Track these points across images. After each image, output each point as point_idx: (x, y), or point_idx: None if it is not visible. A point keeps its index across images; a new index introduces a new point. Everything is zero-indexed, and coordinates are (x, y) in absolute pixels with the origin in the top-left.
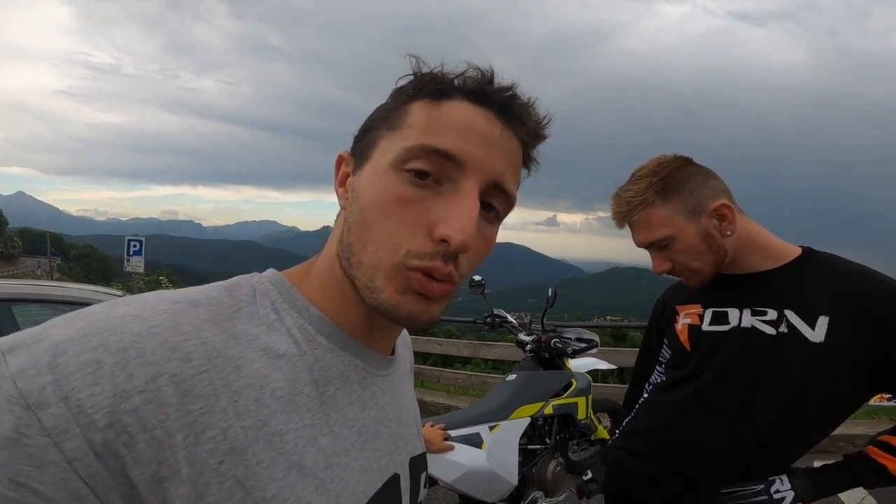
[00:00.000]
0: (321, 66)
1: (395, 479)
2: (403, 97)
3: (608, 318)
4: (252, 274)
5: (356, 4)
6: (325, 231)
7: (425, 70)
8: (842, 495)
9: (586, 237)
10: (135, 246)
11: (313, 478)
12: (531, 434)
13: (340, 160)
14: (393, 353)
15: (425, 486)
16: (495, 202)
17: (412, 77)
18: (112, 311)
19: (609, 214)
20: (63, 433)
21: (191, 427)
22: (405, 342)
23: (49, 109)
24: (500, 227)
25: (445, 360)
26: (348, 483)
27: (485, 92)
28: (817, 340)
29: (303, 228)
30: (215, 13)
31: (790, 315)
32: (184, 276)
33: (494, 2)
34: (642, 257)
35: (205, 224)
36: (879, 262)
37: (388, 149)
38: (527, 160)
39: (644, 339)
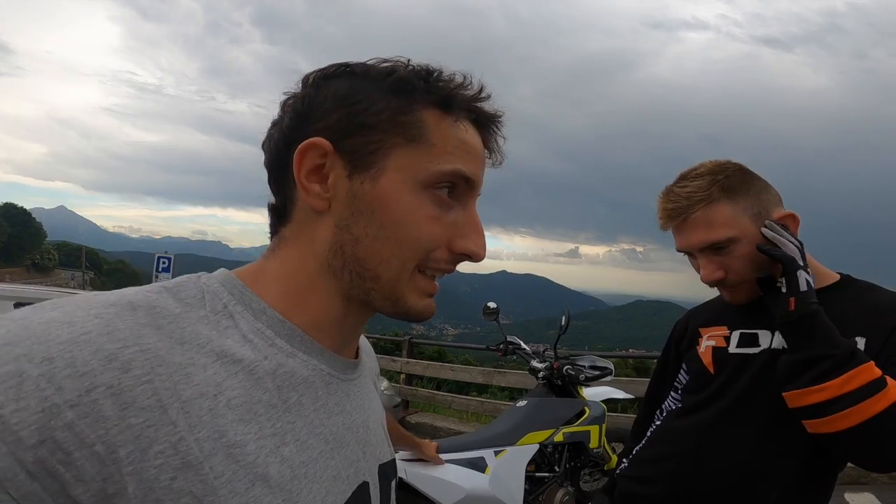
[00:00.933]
0: None
1: (364, 487)
2: (413, 97)
3: (631, 350)
4: (199, 273)
5: (382, 32)
6: None
7: (420, 66)
8: (848, 496)
9: (609, 269)
10: (163, 263)
11: (280, 490)
12: (540, 461)
13: (310, 148)
14: (357, 356)
15: (394, 491)
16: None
17: (418, 73)
18: (35, 316)
19: (634, 246)
20: None
21: (135, 442)
22: (367, 350)
23: (93, 126)
24: (520, 258)
25: (459, 387)
26: (317, 494)
27: (483, 116)
28: None
29: None
30: (251, 38)
31: None
32: None
33: (517, 30)
34: (666, 291)
35: (231, 245)
36: None
37: (413, 165)
38: None
39: (659, 363)
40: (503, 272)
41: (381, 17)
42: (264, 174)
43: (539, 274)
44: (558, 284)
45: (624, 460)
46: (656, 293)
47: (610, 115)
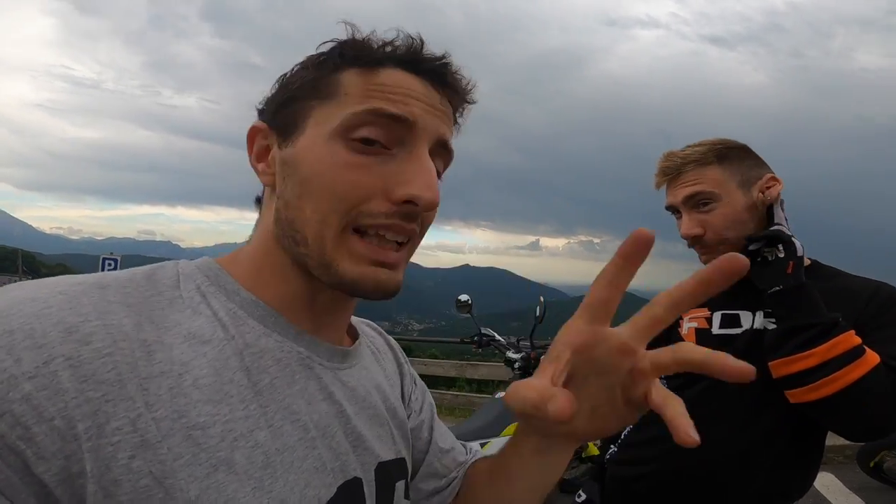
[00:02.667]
0: None
1: (354, 483)
2: (329, 65)
3: None
4: (179, 260)
5: (338, 28)
6: None
7: (349, 38)
8: (827, 494)
9: (568, 261)
10: (110, 265)
11: (248, 477)
12: None
13: (255, 132)
14: (353, 344)
15: (407, 496)
16: (437, 161)
17: (335, 44)
18: (2, 295)
19: (591, 238)
20: None
21: (93, 416)
22: (390, 344)
23: (25, 122)
24: (482, 251)
25: (430, 382)
26: (294, 484)
27: (418, 60)
28: None
29: None
30: (199, 32)
31: None
32: None
33: (473, 25)
34: None
35: (183, 245)
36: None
37: (327, 118)
38: (455, 121)
39: None
40: (466, 266)
41: (338, 12)
42: (217, 170)
43: (501, 267)
44: (520, 276)
45: (612, 446)
46: None
47: (566, 110)
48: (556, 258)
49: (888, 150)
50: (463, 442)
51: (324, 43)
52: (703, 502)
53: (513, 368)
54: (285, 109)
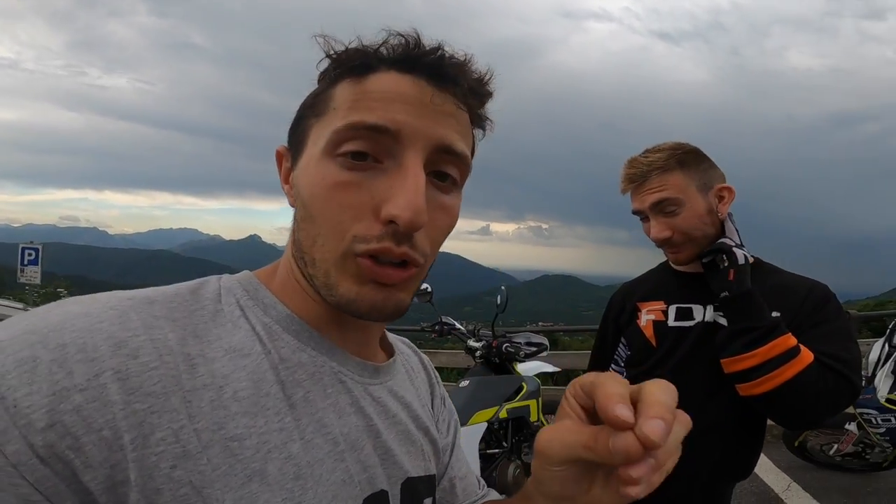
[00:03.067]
0: (250, 68)
1: (381, 496)
2: (327, 80)
3: (540, 323)
4: (222, 275)
5: (287, 7)
6: (252, 240)
7: (339, 48)
8: (767, 481)
9: (518, 246)
10: (30, 254)
11: (280, 488)
12: (489, 438)
13: (280, 156)
14: (387, 359)
15: None
16: (448, 168)
17: (338, 53)
18: (56, 309)
19: (540, 224)
20: (2, 435)
21: (139, 427)
22: (424, 363)
23: None
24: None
25: None
26: (323, 496)
27: (410, 58)
28: None
29: (227, 237)
30: (134, 10)
31: None
32: (85, 287)
33: (431, 11)
34: (570, 266)
35: (111, 231)
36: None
37: (319, 136)
38: (476, 120)
39: (598, 339)
40: None
41: None
42: (150, 153)
43: (452, 251)
44: (471, 261)
45: None
46: (561, 268)
47: (519, 99)
48: (507, 243)
49: (808, 147)
50: (478, 476)
51: (321, 60)
52: (660, 486)
53: (474, 357)
54: (296, 130)
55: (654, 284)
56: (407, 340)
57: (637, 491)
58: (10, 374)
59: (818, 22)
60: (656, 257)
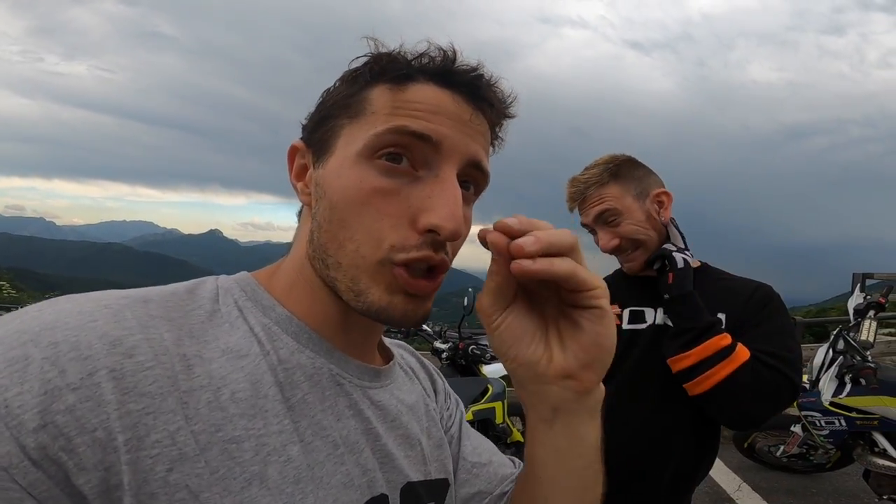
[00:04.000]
0: (220, 60)
1: (381, 499)
2: (360, 81)
3: None
4: (219, 276)
5: (264, 1)
6: (212, 234)
7: (382, 51)
8: (720, 481)
9: (484, 248)
10: None
11: (279, 492)
12: None
13: (294, 151)
14: (385, 364)
15: None
16: (470, 183)
17: (367, 59)
18: (49, 308)
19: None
20: None
21: (133, 429)
22: (423, 363)
23: None
24: None
25: None
26: (323, 499)
27: (450, 73)
28: None
29: (185, 231)
30: None
31: None
32: (30, 280)
33: (408, 11)
34: None
35: (59, 222)
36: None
37: (355, 138)
38: (493, 138)
39: None
40: None
41: None
42: (106, 143)
43: None
44: None
45: None
46: None
47: None
48: (476, 245)
49: (761, 157)
50: (510, 456)
51: (357, 58)
52: (625, 489)
53: (440, 358)
54: (320, 128)
55: (612, 288)
56: (403, 343)
57: (527, 264)
58: (1, 372)
59: (781, 36)
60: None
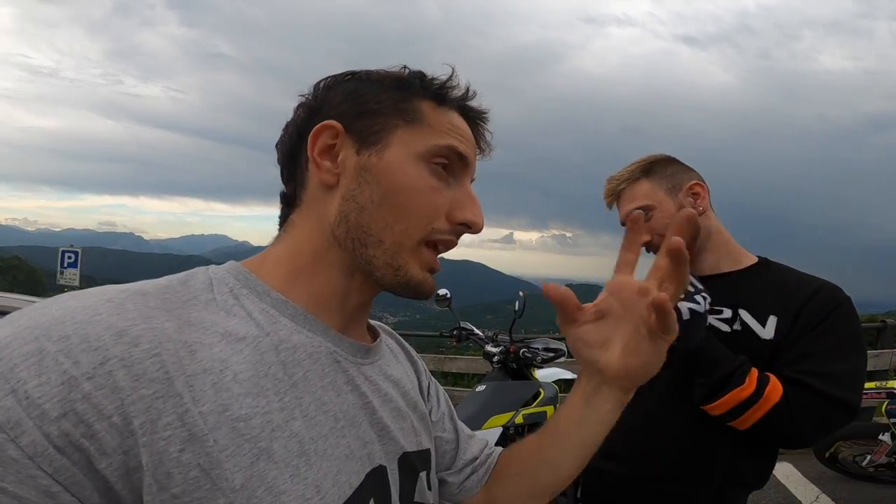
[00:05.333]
0: (273, 75)
1: (380, 471)
2: (411, 91)
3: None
4: (209, 266)
5: (309, 17)
6: None
7: (422, 71)
8: (795, 493)
9: (541, 254)
10: (69, 257)
11: (286, 465)
12: (504, 443)
13: (324, 129)
14: (373, 342)
15: (429, 486)
16: None
17: (414, 74)
18: (53, 304)
19: (564, 232)
20: (16, 427)
21: (146, 413)
22: (397, 353)
23: None
24: (459, 244)
25: None
26: (327, 471)
27: (471, 110)
28: (767, 337)
29: (255, 243)
30: (166, 20)
31: (743, 314)
32: None
33: (448, 20)
34: (593, 274)
35: (146, 237)
36: (803, 271)
37: (413, 141)
38: None
39: None
40: (441, 258)
41: (310, 1)
42: (182, 161)
43: (475, 260)
44: (494, 269)
45: None
46: (584, 276)
47: (541, 105)
48: (530, 251)
49: (845, 149)
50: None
51: (400, 68)
52: (670, 493)
53: (492, 362)
54: (366, 120)
55: None
56: (381, 324)
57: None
58: (18, 367)
59: (849, 24)
60: None
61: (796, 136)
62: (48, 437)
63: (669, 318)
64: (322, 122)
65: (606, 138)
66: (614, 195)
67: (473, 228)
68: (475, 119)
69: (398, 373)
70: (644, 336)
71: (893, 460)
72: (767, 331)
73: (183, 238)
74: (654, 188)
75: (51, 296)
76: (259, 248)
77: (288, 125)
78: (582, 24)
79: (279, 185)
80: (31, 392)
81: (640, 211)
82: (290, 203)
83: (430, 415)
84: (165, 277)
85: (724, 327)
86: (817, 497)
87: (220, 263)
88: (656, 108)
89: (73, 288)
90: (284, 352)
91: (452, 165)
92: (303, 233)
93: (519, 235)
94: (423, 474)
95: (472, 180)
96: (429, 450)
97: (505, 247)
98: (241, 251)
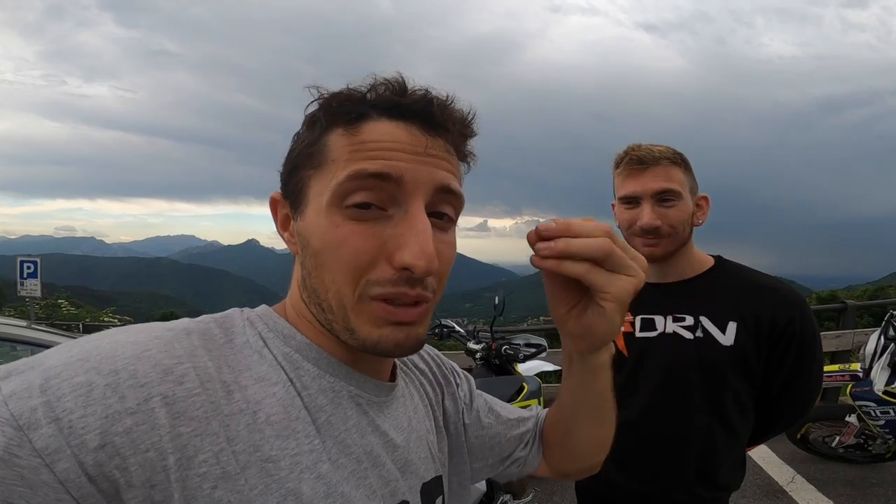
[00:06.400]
0: (227, 72)
1: None
2: (318, 127)
3: (541, 318)
4: (243, 308)
5: (258, 13)
6: (250, 244)
7: (332, 93)
8: (772, 473)
9: (516, 241)
10: (29, 267)
11: None
12: None
13: (275, 203)
14: (393, 378)
15: None
16: (446, 208)
17: (325, 101)
18: (105, 338)
19: (538, 218)
20: (54, 454)
21: (183, 450)
22: (423, 355)
23: None
24: None
25: None
26: None
27: (401, 106)
28: (728, 344)
29: (225, 242)
30: (103, 20)
31: (705, 321)
32: (86, 296)
33: (402, 11)
34: None
35: (108, 240)
36: (764, 253)
37: (322, 189)
38: (463, 156)
39: None
40: None
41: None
42: (139, 161)
43: None
44: (470, 258)
45: None
46: None
47: (509, 93)
48: (505, 238)
49: (798, 131)
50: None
51: (313, 101)
52: (646, 492)
53: (474, 359)
54: (292, 179)
55: None
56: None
57: (537, 261)
58: (66, 397)
59: (801, 10)
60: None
61: (752, 119)
62: (82, 466)
63: (563, 269)
64: (271, 197)
65: (574, 126)
66: (644, 164)
67: (413, 272)
68: (418, 112)
69: (417, 398)
70: (585, 303)
71: (862, 441)
72: (728, 337)
73: (148, 240)
74: (685, 181)
75: (11, 307)
76: (229, 247)
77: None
78: (545, 13)
79: (244, 182)
80: (75, 423)
81: (668, 197)
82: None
83: (464, 418)
84: (204, 317)
85: (688, 335)
86: (793, 478)
87: (188, 264)
88: (621, 96)
89: (35, 298)
90: (308, 397)
91: (380, 192)
92: (292, 293)
93: (493, 223)
94: (438, 499)
95: (447, 189)
96: (441, 476)
97: (480, 235)
98: (209, 251)
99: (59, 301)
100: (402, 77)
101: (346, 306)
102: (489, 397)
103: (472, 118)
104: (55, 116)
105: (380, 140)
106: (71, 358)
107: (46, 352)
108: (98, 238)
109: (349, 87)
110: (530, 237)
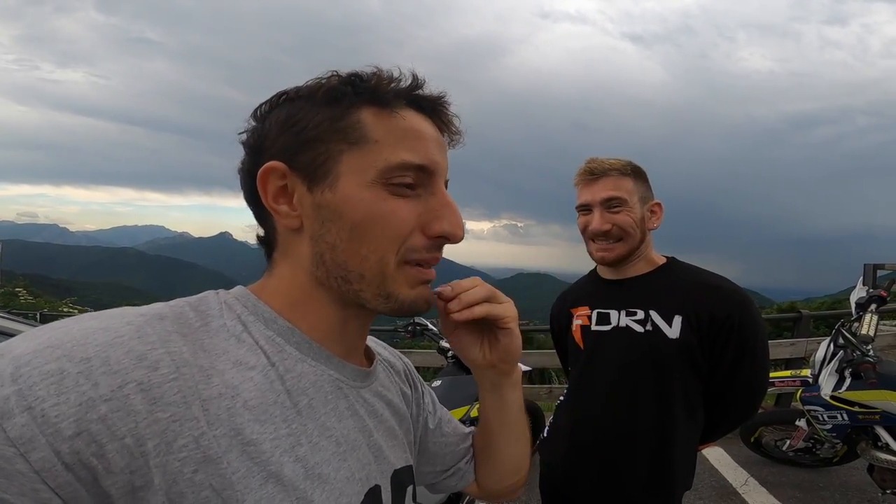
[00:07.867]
0: (209, 63)
1: (376, 490)
2: (346, 103)
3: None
4: (218, 290)
5: (244, 5)
6: (222, 237)
7: (361, 73)
8: (726, 475)
9: (493, 244)
10: None
11: (293, 489)
12: None
13: (268, 173)
14: (370, 365)
15: (414, 499)
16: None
17: (346, 80)
18: (75, 324)
19: (515, 222)
20: (28, 443)
21: (161, 435)
22: (388, 359)
23: None
24: None
25: None
26: (331, 494)
27: (424, 101)
28: (674, 336)
29: (195, 234)
30: (82, 6)
31: (654, 314)
32: (45, 285)
33: (388, 10)
34: (544, 263)
35: (72, 228)
36: (730, 265)
37: (363, 165)
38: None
39: (556, 346)
40: None
41: None
42: (110, 148)
43: None
44: (447, 259)
45: (541, 434)
46: (535, 266)
47: (491, 98)
48: (482, 241)
49: (769, 147)
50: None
51: (327, 77)
52: (600, 481)
53: (446, 357)
54: (308, 152)
55: (582, 291)
56: (377, 339)
57: (456, 316)
58: (37, 385)
59: (783, 27)
60: None
61: (726, 133)
62: (58, 455)
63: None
64: (264, 167)
65: (556, 133)
66: (595, 175)
67: (451, 239)
68: (433, 109)
69: (391, 392)
70: (486, 337)
71: (810, 445)
72: (674, 330)
73: (114, 229)
74: (634, 190)
75: None
76: (200, 240)
77: (240, 169)
78: (534, 19)
79: (218, 174)
80: (48, 411)
81: (615, 204)
82: (268, 243)
83: (428, 422)
84: (177, 300)
85: (639, 328)
86: (746, 481)
87: (155, 255)
88: (603, 106)
89: None
90: (290, 381)
91: (417, 177)
92: (287, 272)
93: (472, 225)
94: (409, 488)
95: (447, 181)
96: (412, 466)
97: None
98: (179, 243)
99: (17, 289)
100: (416, 74)
101: (385, 272)
102: (446, 411)
103: (459, 121)
104: (25, 101)
105: (416, 130)
106: (40, 345)
107: (12, 339)
108: (62, 225)
109: (378, 72)
110: (438, 303)
